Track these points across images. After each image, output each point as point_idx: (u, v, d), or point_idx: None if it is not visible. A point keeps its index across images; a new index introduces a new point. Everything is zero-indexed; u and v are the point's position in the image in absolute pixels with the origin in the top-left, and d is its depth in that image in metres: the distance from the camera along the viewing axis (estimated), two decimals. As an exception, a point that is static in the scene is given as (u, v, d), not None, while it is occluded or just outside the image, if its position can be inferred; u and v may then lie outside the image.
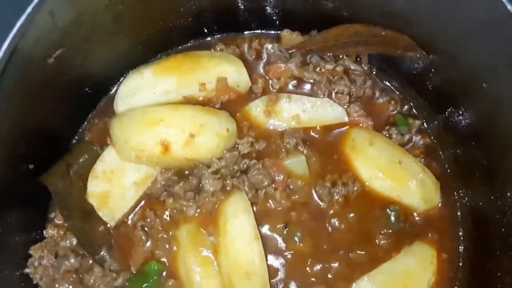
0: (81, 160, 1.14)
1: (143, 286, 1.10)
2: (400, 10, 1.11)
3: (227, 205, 1.12)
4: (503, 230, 1.07)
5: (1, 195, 0.97)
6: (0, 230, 0.98)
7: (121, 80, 1.24)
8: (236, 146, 1.18)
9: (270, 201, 1.17)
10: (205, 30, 1.30)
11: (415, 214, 1.20)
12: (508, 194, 1.05)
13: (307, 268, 1.14)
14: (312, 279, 1.14)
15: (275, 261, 1.15)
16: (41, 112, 1.03)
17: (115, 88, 1.26)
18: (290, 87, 1.28)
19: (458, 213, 1.23)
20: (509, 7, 0.91)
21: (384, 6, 1.11)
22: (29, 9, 0.80)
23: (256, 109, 1.24)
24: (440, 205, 1.22)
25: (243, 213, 1.10)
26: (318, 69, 1.27)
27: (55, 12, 0.86)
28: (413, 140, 1.27)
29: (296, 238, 1.16)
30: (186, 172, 1.16)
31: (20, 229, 1.06)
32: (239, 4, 1.24)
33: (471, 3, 0.96)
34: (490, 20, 0.95)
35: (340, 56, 1.28)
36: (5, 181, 0.97)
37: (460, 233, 1.22)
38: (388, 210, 1.18)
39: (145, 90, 1.19)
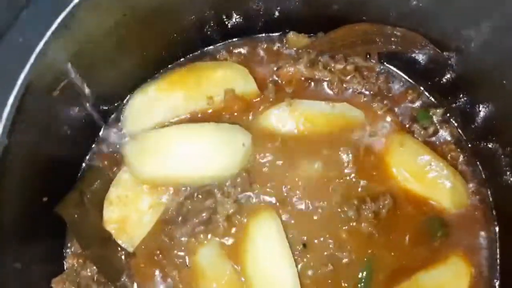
0: (94, 186, 1.11)
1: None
2: (411, 11, 1.06)
3: (255, 224, 1.08)
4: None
5: (19, 231, 0.96)
6: (21, 265, 0.96)
7: (125, 101, 1.20)
8: (257, 159, 1.14)
9: (293, 216, 1.12)
10: (209, 37, 1.24)
11: (447, 220, 1.14)
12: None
13: (342, 282, 1.10)
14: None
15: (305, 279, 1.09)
16: (50, 144, 1.00)
17: (120, 110, 1.20)
18: (304, 88, 1.22)
19: (492, 212, 1.18)
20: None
21: (394, 8, 1.06)
22: (37, 50, 0.79)
23: (272, 116, 1.16)
24: (469, 204, 1.17)
25: (274, 232, 1.06)
26: (328, 68, 1.22)
27: (59, 48, 0.83)
28: (439, 133, 1.22)
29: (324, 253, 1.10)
30: (203, 192, 1.11)
31: (40, 262, 1.04)
32: (241, 10, 1.19)
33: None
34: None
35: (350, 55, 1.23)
36: (22, 216, 0.96)
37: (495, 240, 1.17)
38: (425, 218, 1.14)
39: (151, 108, 1.15)
